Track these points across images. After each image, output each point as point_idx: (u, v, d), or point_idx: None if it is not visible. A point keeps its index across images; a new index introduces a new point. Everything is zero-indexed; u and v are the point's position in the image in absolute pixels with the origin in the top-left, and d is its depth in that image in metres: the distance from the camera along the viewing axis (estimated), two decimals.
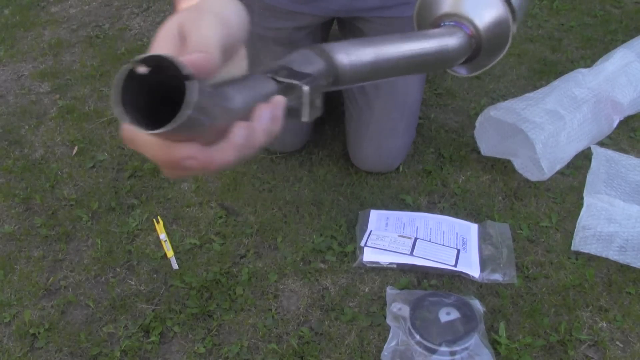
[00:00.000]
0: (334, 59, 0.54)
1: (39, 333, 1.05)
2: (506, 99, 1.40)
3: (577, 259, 1.15)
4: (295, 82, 0.46)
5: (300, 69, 0.48)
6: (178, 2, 0.59)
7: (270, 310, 1.08)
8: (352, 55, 0.56)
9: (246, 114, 0.41)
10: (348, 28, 1.33)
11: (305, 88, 0.46)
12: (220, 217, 1.26)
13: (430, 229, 1.21)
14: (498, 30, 0.76)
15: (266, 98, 0.43)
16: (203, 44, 0.43)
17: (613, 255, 1.14)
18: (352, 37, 1.31)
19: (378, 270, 1.14)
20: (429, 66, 0.70)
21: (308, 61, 0.50)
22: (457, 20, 0.76)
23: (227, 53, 0.46)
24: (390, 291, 1.08)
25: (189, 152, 0.39)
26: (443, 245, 1.17)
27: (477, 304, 1.03)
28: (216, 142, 0.40)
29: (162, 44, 0.46)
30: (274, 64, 0.48)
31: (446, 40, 0.72)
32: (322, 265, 1.16)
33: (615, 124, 1.42)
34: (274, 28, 1.25)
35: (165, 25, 0.48)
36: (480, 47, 0.77)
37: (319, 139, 1.47)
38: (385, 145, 1.30)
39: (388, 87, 1.27)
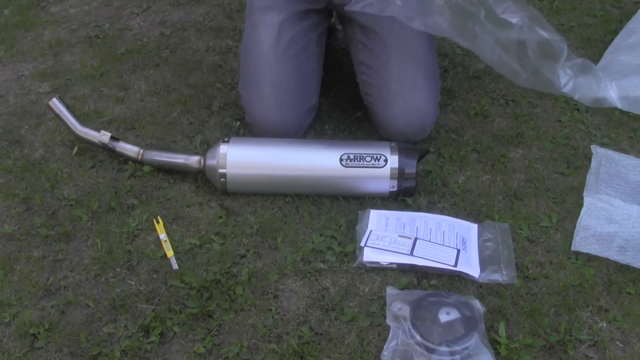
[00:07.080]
0: None
1: (39, 333, 1.05)
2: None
3: (577, 259, 1.15)
4: None
5: None
6: None
7: (270, 310, 1.08)
8: None
9: None
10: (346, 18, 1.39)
11: None
12: (220, 217, 1.26)
13: (430, 229, 1.21)
14: None
15: None
16: None
17: (613, 255, 1.14)
18: (348, 26, 1.42)
19: (378, 270, 1.14)
20: None
21: None
22: None
23: None
24: (390, 291, 1.08)
25: None
26: (443, 245, 1.17)
27: (477, 304, 1.03)
28: None
29: None
30: None
31: None
32: (322, 265, 1.16)
33: None
34: None
35: None
36: None
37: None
38: (411, 99, 1.32)
39: (395, 42, 1.31)
